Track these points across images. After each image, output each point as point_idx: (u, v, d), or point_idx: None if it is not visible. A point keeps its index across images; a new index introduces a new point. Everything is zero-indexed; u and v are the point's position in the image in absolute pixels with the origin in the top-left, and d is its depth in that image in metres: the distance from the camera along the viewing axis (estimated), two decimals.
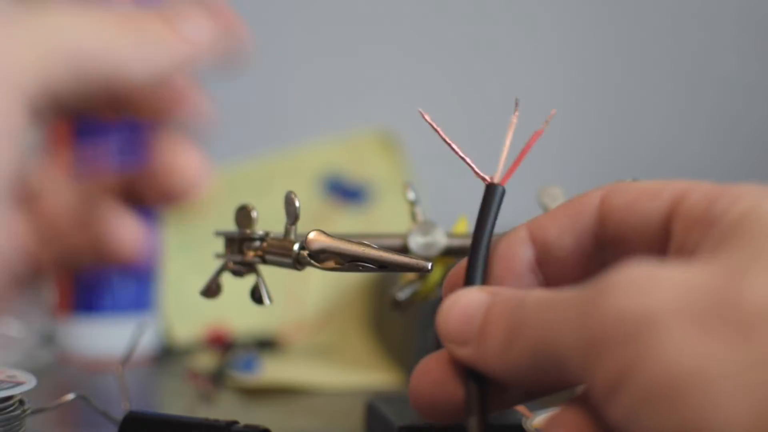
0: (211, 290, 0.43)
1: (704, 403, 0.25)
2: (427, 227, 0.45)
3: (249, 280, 0.45)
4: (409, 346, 0.63)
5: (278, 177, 0.82)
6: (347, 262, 0.37)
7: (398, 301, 0.46)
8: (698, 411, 0.25)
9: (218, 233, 0.43)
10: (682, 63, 0.92)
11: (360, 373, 0.64)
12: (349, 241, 0.38)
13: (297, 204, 0.40)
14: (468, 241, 0.43)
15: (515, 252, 0.35)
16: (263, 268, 0.42)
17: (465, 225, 0.47)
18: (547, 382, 0.31)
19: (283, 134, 0.88)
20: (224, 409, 0.56)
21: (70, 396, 0.44)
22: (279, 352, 0.71)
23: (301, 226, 0.42)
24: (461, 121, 0.85)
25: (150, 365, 0.67)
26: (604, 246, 0.33)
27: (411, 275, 0.45)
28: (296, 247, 0.40)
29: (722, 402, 0.25)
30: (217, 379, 0.61)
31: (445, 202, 0.65)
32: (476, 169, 0.36)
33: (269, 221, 0.44)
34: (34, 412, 0.42)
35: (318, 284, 0.75)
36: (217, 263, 0.43)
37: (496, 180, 0.36)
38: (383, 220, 0.79)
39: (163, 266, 0.72)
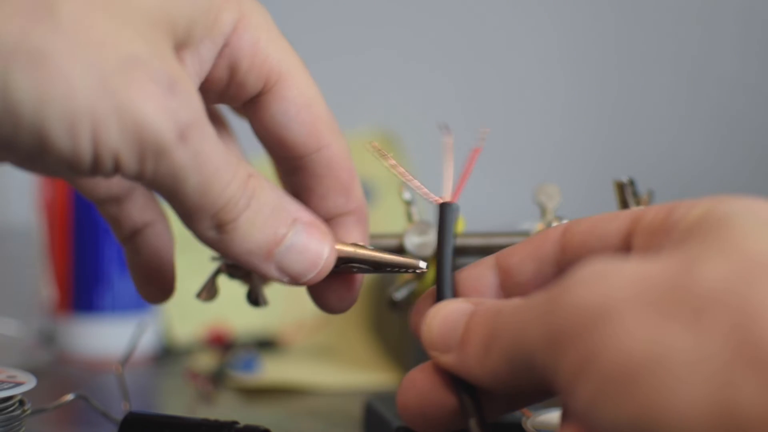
0: (209, 292, 0.43)
1: (658, 387, 0.25)
2: (422, 227, 0.45)
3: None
4: (408, 346, 0.63)
5: None
6: (341, 263, 0.37)
7: (395, 301, 0.46)
8: (653, 395, 0.25)
9: None
10: (682, 63, 0.92)
11: (359, 373, 0.64)
12: (341, 242, 0.38)
13: None
14: (465, 241, 0.44)
15: (482, 274, 0.36)
16: None
17: (461, 225, 0.47)
18: (525, 386, 0.32)
19: None
20: (224, 409, 0.56)
21: (70, 396, 0.44)
22: (279, 352, 0.71)
23: None
24: (461, 121, 0.85)
25: (150, 365, 0.67)
26: (565, 271, 0.34)
27: (408, 275, 0.45)
28: None
29: (675, 384, 0.25)
30: (217, 379, 0.61)
31: None
32: (427, 192, 0.38)
33: None
34: (34, 412, 0.42)
35: None
36: (213, 266, 0.43)
37: (447, 199, 0.37)
38: (383, 220, 0.79)
39: None
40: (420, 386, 0.35)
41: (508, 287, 0.36)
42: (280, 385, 0.59)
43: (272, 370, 0.63)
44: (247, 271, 0.42)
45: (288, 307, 0.72)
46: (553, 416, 0.40)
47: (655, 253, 0.30)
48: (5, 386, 0.40)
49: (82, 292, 0.67)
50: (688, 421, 0.25)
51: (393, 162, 0.38)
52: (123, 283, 0.67)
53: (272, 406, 0.56)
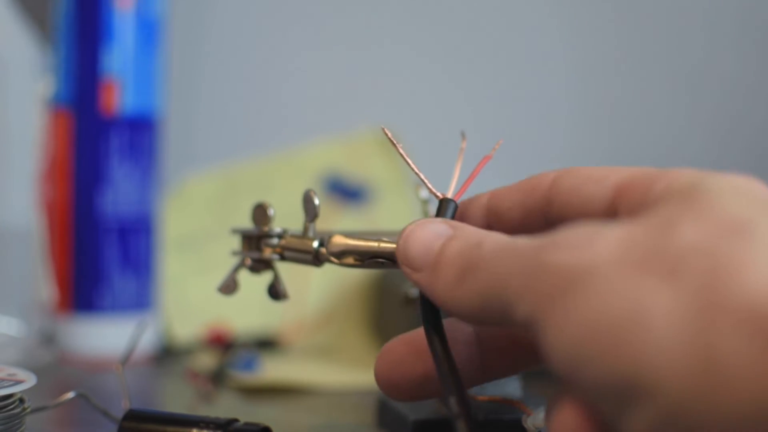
0: (229, 287, 0.44)
1: (640, 340, 0.26)
2: None
3: (249, 279, 0.45)
4: None
5: (278, 177, 0.82)
6: (366, 259, 0.38)
7: (410, 298, 0.46)
8: (635, 348, 0.26)
9: (235, 230, 0.44)
10: (682, 63, 0.92)
11: (360, 373, 0.64)
12: (366, 239, 0.38)
13: (316, 202, 0.41)
14: None
15: (472, 214, 0.37)
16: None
17: None
18: (491, 323, 0.33)
19: (284, 134, 0.88)
20: (224, 408, 0.56)
21: (71, 394, 0.44)
22: (279, 352, 0.71)
23: (301, 225, 0.42)
24: (462, 121, 0.85)
25: (150, 365, 0.67)
26: (553, 224, 0.35)
27: None
28: (315, 244, 0.40)
29: (655, 336, 0.26)
30: (217, 378, 0.61)
31: None
32: (430, 186, 0.38)
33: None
34: (34, 411, 0.42)
35: (318, 284, 0.75)
36: (231, 261, 0.44)
37: (449, 196, 0.38)
38: (383, 219, 0.79)
39: (163, 266, 0.72)
40: (393, 356, 0.36)
41: (496, 229, 0.36)
42: (280, 384, 0.59)
43: (272, 370, 0.63)
44: (269, 266, 0.43)
45: (288, 308, 0.72)
46: None
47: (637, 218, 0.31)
48: (5, 384, 0.40)
49: (82, 292, 0.67)
50: (673, 368, 0.26)
51: (402, 151, 0.38)
52: (123, 283, 0.67)
53: (272, 405, 0.56)
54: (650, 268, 0.27)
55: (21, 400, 0.41)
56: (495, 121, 0.90)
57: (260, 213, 0.42)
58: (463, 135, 0.41)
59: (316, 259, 0.41)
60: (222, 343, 0.66)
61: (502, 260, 0.31)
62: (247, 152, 0.85)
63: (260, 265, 0.43)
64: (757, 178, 0.32)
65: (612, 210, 0.33)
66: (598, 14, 0.92)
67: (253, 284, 0.47)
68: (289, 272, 0.46)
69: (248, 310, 0.70)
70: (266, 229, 0.42)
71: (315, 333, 0.73)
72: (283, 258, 0.42)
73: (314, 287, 0.75)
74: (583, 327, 0.27)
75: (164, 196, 0.76)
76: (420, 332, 0.37)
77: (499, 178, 0.38)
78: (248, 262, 0.43)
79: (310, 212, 0.41)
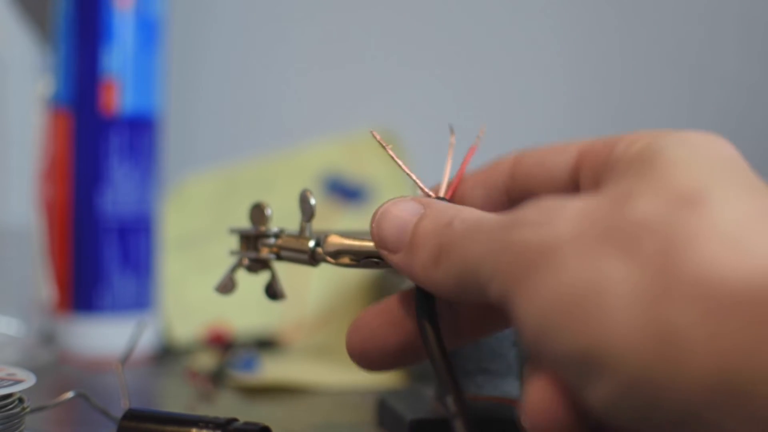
0: (226, 286, 0.44)
1: (597, 314, 0.27)
2: None
3: (249, 279, 0.45)
4: None
5: (278, 177, 0.82)
6: (362, 259, 0.38)
7: None
8: (593, 322, 0.27)
9: (232, 230, 0.44)
10: (684, 63, 0.92)
11: (359, 372, 0.63)
12: (362, 239, 0.39)
13: (312, 202, 0.41)
14: None
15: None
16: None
17: None
18: (472, 301, 0.34)
19: (283, 134, 0.88)
20: (224, 408, 0.56)
21: (70, 394, 0.44)
22: (279, 352, 0.71)
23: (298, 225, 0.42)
24: (462, 120, 0.85)
25: (150, 365, 0.67)
26: (515, 200, 0.36)
27: None
28: (311, 244, 0.41)
29: (612, 310, 0.27)
30: (217, 378, 0.61)
31: None
32: (422, 186, 0.38)
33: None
34: (33, 410, 0.42)
35: (318, 284, 0.75)
36: (230, 260, 0.44)
37: (440, 195, 0.38)
38: None
39: (163, 266, 0.72)
40: (367, 328, 0.37)
41: None
42: (280, 384, 0.59)
43: (272, 370, 0.63)
44: (266, 265, 0.43)
45: (288, 307, 0.72)
46: None
47: (597, 189, 0.32)
48: (5, 384, 0.40)
49: (82, 292, 0.67)
50: (628, 342, 0.26)
51: (392, 153, 0.39)
52: (123, 283, 0.67)
53: (272, 405, 0.56)
54: (607, 243, 0.28)
55: (20, 400, 0.41)
56: (496, 119, 0.90)
57: (258, 213, 0.43)
58: (451, 129, 0.41)
59: (312, 258, 0.41)
60: (222, 343, 0.66)
61: (471, 241, 0.32)
62: (246, 152, 0.85)
63: (257, 264, 0.43)
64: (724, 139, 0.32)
65: (575, 178, 0.34)
66: (598, 10, 0.92)
67: (253, 284, 0.47)
68: (288, 272, 0.46)
69: (248, 310, 0.70)
70: (263, 228, 0.42)
71: (315, 333, 0.73)
72: (279, 258, 0.42)
73: (314, 287, 0.75)
74: (547, 302, 0.28)
75: (164, 196, 0.76)
76: (391, 302, 0.37)
77: None
78: (245, 261, 0.43)
79: (307, 212, 0.41)
